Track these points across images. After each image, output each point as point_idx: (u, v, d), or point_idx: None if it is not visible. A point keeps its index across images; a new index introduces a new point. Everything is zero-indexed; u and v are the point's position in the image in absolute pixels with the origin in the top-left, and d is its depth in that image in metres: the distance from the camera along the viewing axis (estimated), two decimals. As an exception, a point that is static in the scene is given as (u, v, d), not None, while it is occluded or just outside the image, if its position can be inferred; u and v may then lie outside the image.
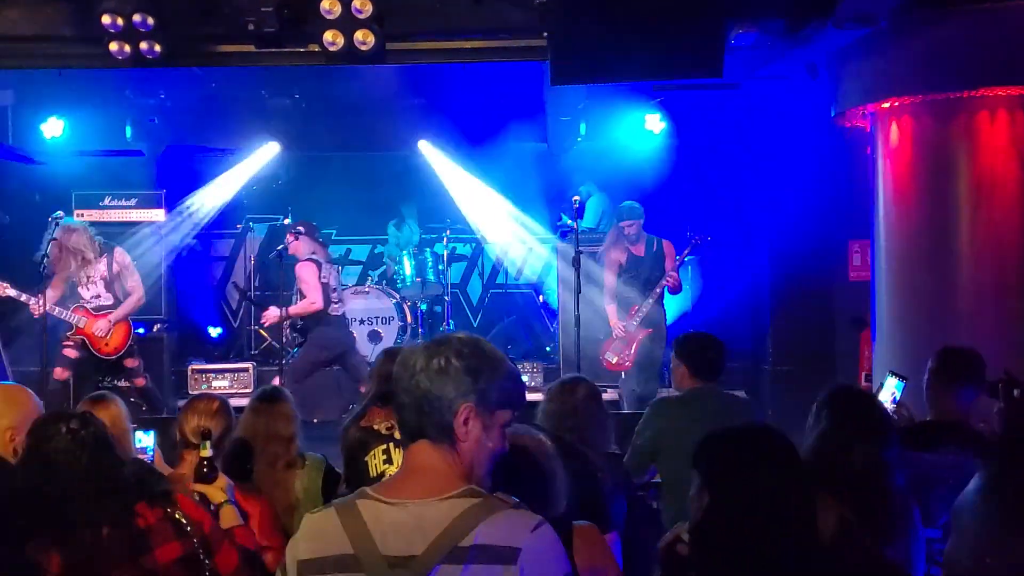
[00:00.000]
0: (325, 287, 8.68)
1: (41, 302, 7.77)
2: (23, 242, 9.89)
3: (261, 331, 10.93)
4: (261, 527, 3.82)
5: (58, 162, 10.62)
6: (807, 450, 3.35)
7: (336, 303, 8.87)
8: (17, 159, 10.59)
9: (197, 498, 3.46)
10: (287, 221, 10.79)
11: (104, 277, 8.26)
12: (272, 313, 8.79)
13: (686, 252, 8.70)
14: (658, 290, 8.59)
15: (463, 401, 2.12)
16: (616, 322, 8.67)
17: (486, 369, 2.14)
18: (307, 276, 8.67)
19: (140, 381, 8.49)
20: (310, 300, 8.64)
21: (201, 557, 3.12)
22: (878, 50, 7.18)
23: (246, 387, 9.64)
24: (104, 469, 3.05)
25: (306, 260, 8.73)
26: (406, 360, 2.17)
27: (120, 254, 8.45)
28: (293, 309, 8.79)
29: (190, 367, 10.00)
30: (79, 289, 8.24)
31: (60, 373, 8.12)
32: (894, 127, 7.28)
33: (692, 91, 9.61)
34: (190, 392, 9.61)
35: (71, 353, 8.16)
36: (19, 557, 2.87)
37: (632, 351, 8.65)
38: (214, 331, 11.39)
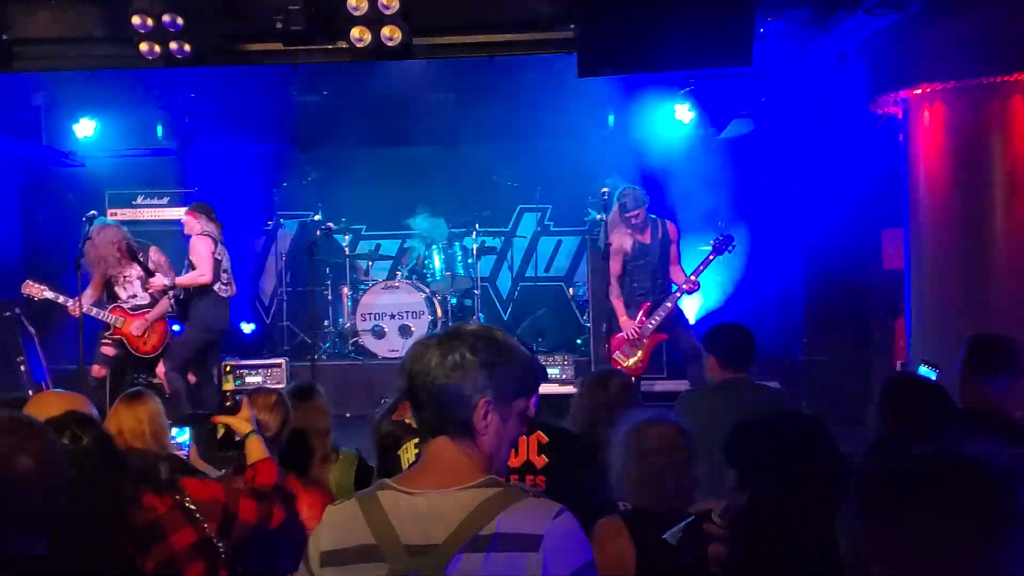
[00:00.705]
0: (217, 263, 8.52)
1: (78, 303, 7.85)
2: (58, 242, 10.03)
3: (294, 327, 11.02)
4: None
5: (91, 162, 10.74)
6: (871, 444, 3.30)
7: (225, 285, 8.69)
8: (56, 160, 10.72)
9: (222, 430, 3.59)
10: (317, 217, 10.83)
11: (140, 277, 8.33)
12: (158, 281, 8.37)
13: (710, 257, 8.28)
14: (677, 294, 8.32)
15: (481, 396, 2.11)
16: (626, 320, 8.38)
17: (501, 361, 2.14)
18: (200, 249, 8.50)
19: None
20: (200, 272, 8.45)
21: (216, 542, 3.15)
22: (909, 36, 7.11)
23: (279, 382, 9.68)
24: (108, 469, 3.00)
25: (201, 234, 8.59)
26: (420, 357, 2.16)
27: (155, 252, 8.53)
28: (180, 279, 8.52)
29: (224, 363, 10.07)
30: (116, 289, 8.32)
31: (98, 371, 8.21)
32: (926, 114, 7.21)
33: (721, 80, 9.55)
34: (223, 388, 9.69)
35: (109, 351, 8.26)
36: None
37: (647, 355, 8.37)
38: (247, 327, 11.45)
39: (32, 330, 9.12)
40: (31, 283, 8.16)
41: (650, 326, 8.34)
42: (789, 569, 2.21)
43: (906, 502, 1.52)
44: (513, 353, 2.17)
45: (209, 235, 8.59)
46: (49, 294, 8.06)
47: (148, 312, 8.28)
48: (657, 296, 8.40)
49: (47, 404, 3.41)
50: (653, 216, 8.56)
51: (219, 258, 8.57)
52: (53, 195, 10.96)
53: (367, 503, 2.14)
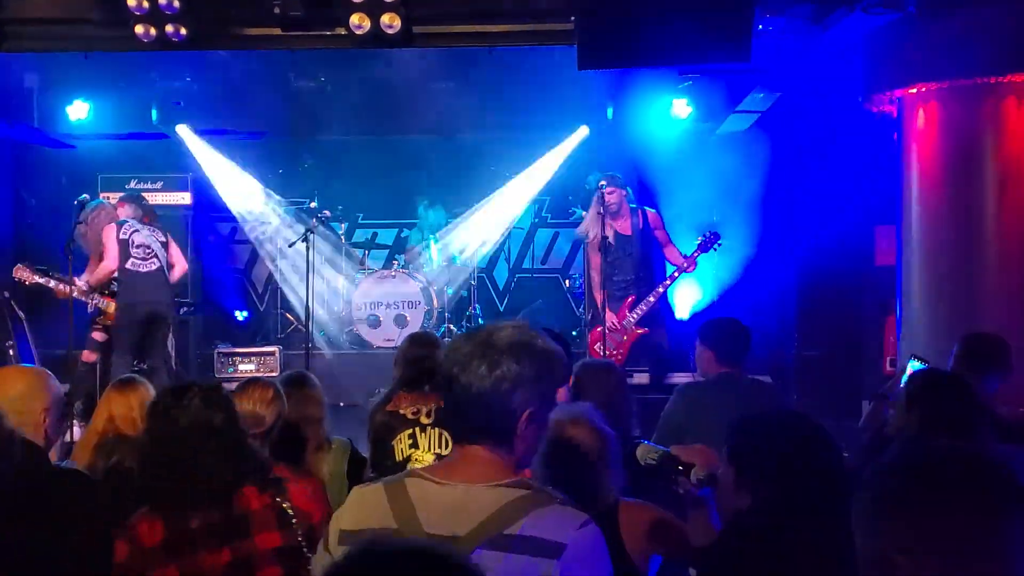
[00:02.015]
0: (124, 244, 8.22)
1: (71, 284, 7.78)
2: (49, 226, 9.99)
3: (288, 315, 11.01)
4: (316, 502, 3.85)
5: (84, 145, 10.69)
6: (899, 444, 3.30)
7: (141, 260, 8.31)
8: (48, 143, 10.67)
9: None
10: (313, 205, 10.82)
11: None
12: (80, 286, 8.12)
13: (696, 253, 8.28)
14: (661, 289, 8.33)
15: (526, 409, 2.12)
16: (608, 313, 8.35)
17: (546, 371, 2.15)
18: (104, 239, 8.24)
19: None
20: (104, 263, 8.21)
21: (304, 551, 3.01)
22: (906, 35, 7.13)
23: (272, 371, 9.68)
24: (232, 437, 3.06)
25: (107, 225, 8.33)
26: (463, 361, 2.14)
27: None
28: (92, 278, 8.25)
29: (217, 351, 10.05)
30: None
31: (88, 356, 8.17)
32: (921, 113, 7.24)
33: (719, 76, 9.55)
34: (217, 376, 9.68)
35: (99, 336, 8.21)
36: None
37: (626, 349, 8.38)
38: (240, 315, 11.44)
39: (21, 314, 9.08)
40: (22, 267, 8.11)
41: (632, 319, 8.36)
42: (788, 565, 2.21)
43: (931, 495, 1.55)
44: (554, 359, 2.17)
45: (113, 221, 8.31)
46: (39, 279, 7.99)
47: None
48: (640, 289, 8.42)
49: (5, 379, 3.42)
50: (634, 206, 8.58)
51: (124, 237, 8.22)
52: (45, 178, 10.90)
53: (393, 488, 2.16)
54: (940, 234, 7.16)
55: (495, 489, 2.09)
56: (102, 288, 8.23)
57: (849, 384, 9.25)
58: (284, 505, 3.05)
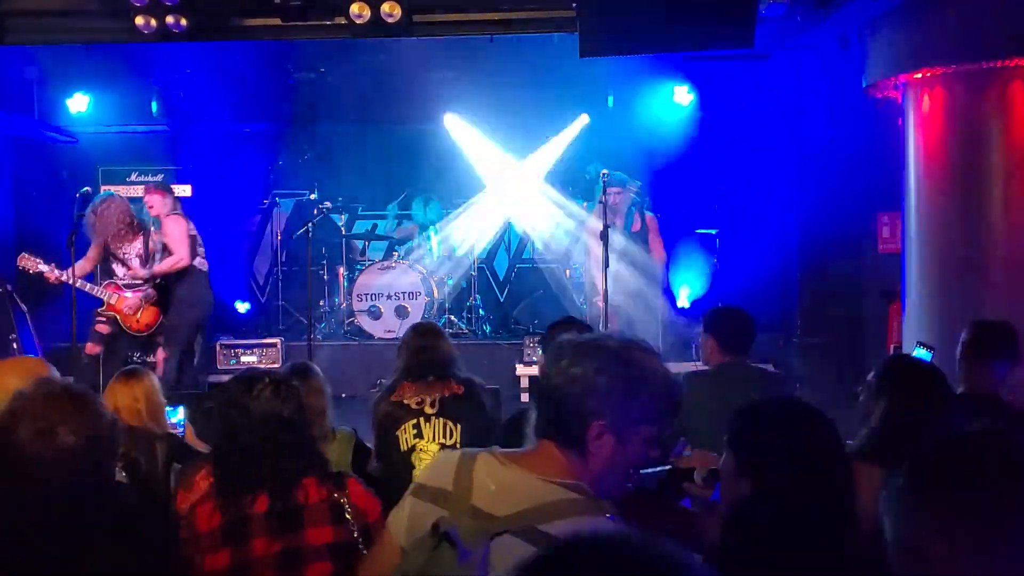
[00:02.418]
0: (193, 240, 8.28)
1: (70, 273, 7.74)
2: (51, 218, 9.97)
3: (289, 307, 11.00)
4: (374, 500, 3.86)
5: (84, 138, 10.66)
6: (872, 428, 3.29)
7: (204, 259, 8.42)
8: (42, 134, 10.64)
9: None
10: (313, 196, 10.78)
11: (140, 255, 8.24)
12: (136, 272, 8.07)
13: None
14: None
15: (597, 417, 2.05)
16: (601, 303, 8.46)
17: (629, 387, 2.06)
18: (174, 231, 8.18)
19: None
20: (178, 257, 8.14)
21: (360, 547, 2.98)
22: (910, 20, 7.09)
23: (274, 362, 9.67)
24: (300, 429, 3.11)
25: (171, 214, 8.28)
26: (555, 355, 2.14)
27: (156, 234, 8.43)
28: (159, 267, 8.14)
29: (218, 343, 10.03)
30: (113, 265, 8.21)
31: (91, 348, 8.13)
32: (926, 98, 7.20)
33: (722, 62, 9.52)
34: (218, 367, 9.67)
35: (103, 328, 8.17)
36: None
37: None
38: (242, 306, 11.42)
39: (24, 307, 9.05)
40: (27, 256, 8.06)
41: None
42: (797, 563, 2.19)
43: (969, 478, 1.53)
44: (647, 378, 2.09)
45: (180, 214, 8.37)
46: (44, 267, 7.94)
47: (143, 290, 8.21)
48: None
49: (7, 371, 3.41)
50: (632, 208, 8.64)
51: (193, 234, 8.32)
52: (46, 171, 10.88)
53: (466, 459, 2.20)
54: (945, 220, 7.13)
55: (549, 485, 2.06)
56: (101, 277, 8.18)
57: (852, 371, 9.24)
58: (342, 500, 3.04)
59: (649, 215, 8.71)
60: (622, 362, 2.07)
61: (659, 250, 8.75)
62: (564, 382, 2.07)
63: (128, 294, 8.13)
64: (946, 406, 3.31)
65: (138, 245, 8.19)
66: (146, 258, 8.19)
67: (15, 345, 8.76)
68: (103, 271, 8.29)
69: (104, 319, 8.16)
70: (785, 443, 2.34)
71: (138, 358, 8.32)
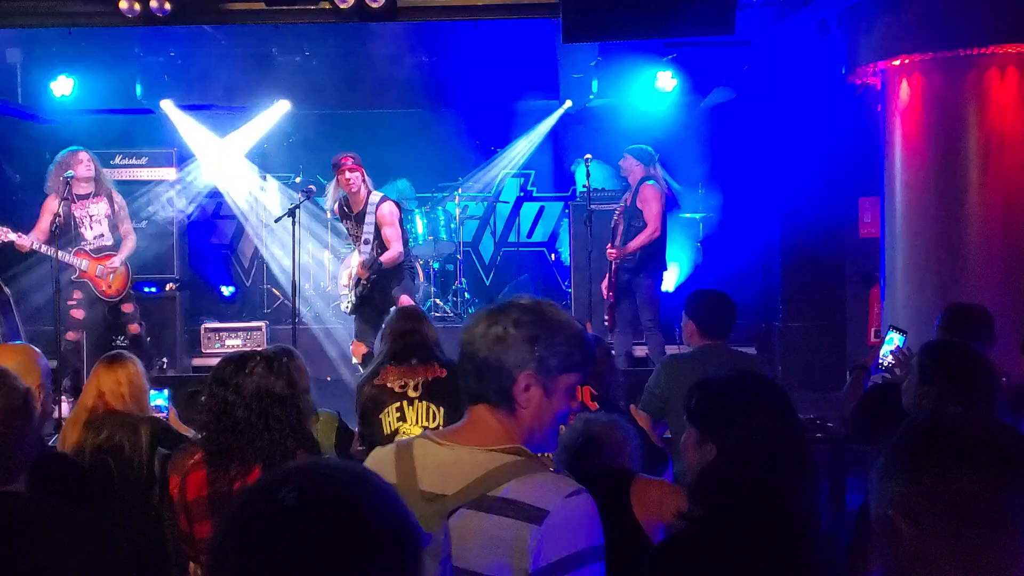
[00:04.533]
0: (405, 232, 7.98)
1: (29, 238, 7.70)
2: (34, 201, 9.93)
3: (275, 290, 11.01)
4: None
5: (68, 120, 10.62)
6: (926, 412, 3.33)
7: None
8: (25, 117, 10.60)
9: None
10: (298, 180, 10.78)
11: (108, 216, 8.21)
12: (391, 255, 7.53)
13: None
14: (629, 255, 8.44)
15: (522, 369, 2.13)
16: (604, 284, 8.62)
17: (545, 335, 2.14)
18: (393, 220, 7.64)
19: (134, 328, 8.48)
20: (397, 249, 7.62)
21: None
22: (889, 7, 7.16)
23: (259, 346, 9.69)
24: (293, 405, 3.14)
25: (389, 200, 7.76)
26: (470, 327, 2.20)
27: (117, 195, 8.43)
28: (386, 257, 7.56)
29: (203, 326, 10.05)
30: (81, 230, 8.15)
31: (72, 336, 8.13)
32: (904, 84, 7.27)
33: (704, 48, 9.55)
34: (203, 351, 9.69)
35: (78, 314, 8.13)
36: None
37: (611, 316, 8.59)
38: (227, 290, 11.43)
39: (7, 291, 9.03)
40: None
41: (604, 286, 8.56)
42: (758, 522, 2.27)
43: (939, 461, 1.53)
44: (560, 329, 2.17)
45: (396, 201, 7.93)
46: (13, 236, 7.82)
47: (113, 256, 8.19)
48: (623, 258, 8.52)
49: None
50: (639, 180, 8.59)
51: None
52: (29, 154, 10.83)
53: (402, 449, 2.22)
54: (923, 205, 7.21)
55: (489, 453, 2.12)
56: (69, 245, 8.08)
57: (833, 355, 9.33)
58: None
59: (648, 184, 8.60)
60: (536, 314, 2.16)
61: (652, 220, 8.47)
62: (485, 344, 2.14)
63: (101, 263, 8.14)
64: (996, 392, 3.36)
65: (104, 207, 8.18)
66: (112, 220, 8.16)
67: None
68: (74, 237, 8.18)
69: (75, 302, 8.10)
70: (741, 403, 2.46)
71: (122, 341, 8.33)
